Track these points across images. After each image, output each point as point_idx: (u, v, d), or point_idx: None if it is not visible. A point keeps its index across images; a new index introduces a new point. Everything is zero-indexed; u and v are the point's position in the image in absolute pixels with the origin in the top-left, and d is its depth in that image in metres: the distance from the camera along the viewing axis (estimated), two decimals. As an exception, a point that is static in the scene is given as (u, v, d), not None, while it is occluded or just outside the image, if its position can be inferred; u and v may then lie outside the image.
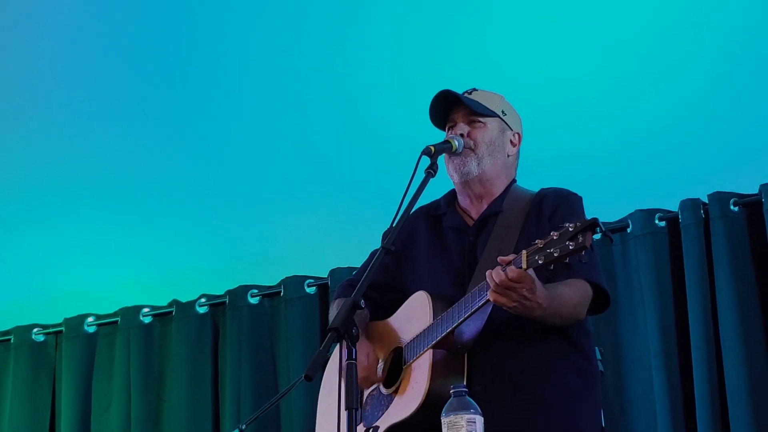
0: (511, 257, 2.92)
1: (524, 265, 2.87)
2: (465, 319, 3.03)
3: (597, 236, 2.81)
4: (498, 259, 2.95)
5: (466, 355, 3.10)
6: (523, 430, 3.09)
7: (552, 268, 2.84)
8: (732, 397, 4.50)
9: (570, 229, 2.78)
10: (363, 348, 3.24)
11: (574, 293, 3.11)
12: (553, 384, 3.13)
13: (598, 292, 3.17)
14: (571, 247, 2.76)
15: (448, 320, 3.07)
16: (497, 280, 2.90)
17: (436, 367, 3.07)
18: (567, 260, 2.80)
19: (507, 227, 3.24)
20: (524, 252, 2.88)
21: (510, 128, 3.40)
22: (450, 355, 3.09)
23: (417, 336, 3.16)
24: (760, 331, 4.58)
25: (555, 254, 2.79)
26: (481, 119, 3.34)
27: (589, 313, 3.19)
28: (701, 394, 4.53)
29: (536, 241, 2.86)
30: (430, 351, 3.09)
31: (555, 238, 2.80)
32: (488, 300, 2.96)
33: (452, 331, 3.07)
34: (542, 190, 3.36)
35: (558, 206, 3.25)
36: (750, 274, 4.66)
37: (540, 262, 2.83)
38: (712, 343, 4.59)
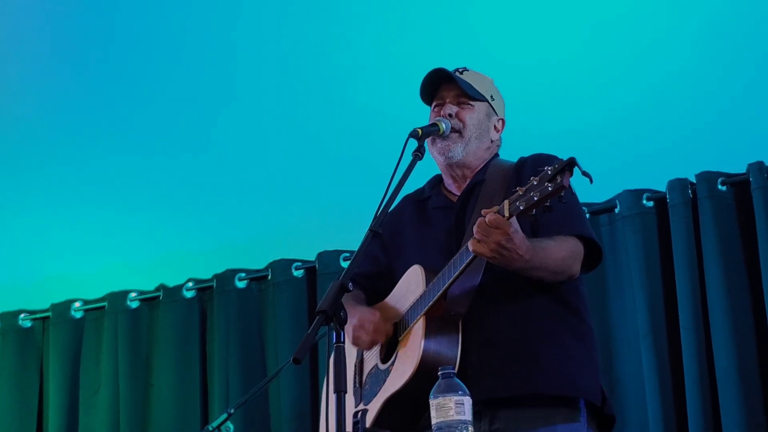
0: (494, 208, 2.92)
1: (506, 214, 2.87)
2: (454, 281, 3.03)
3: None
4: (482, 211, 2.95)
5: (460, 322, 3.09)
6: (519, 393, 3.08)
7: (534, 213, 2.83)
8: (721, 377, 4.51)
9: (548, 172, 2.79)
10: (365, 310, 3.23)
11: (560, 246, 3.10)
12: (550, 346, 3.13)
13: (589, 247, 3.17)
14: (550, 188, 2.77)
15: (437, 285, 3.07)
16: (475, 227, 2.90)
17: (429, 334, 3.06)
18: (548, 203, 2.80)
19: (490, 196, 3.24)
20: (506, 201, 2.89)
21: (496, 113, 3.40)
22: (443, 321, 3.08)
23: (411, 306, 3.17)
24: (748, 310, 4.59)
25: (535, 198, 2.80)
26: (471, 102, 3.33)
27: (583, 269, 3.18)
28: (690, 374, 4.54)
29: (516, 189, 2.87)
30: (423, 318, 3.08)
31: (534, 183, 2.82)
32: (473, 258, 2.96)
33: (444, 296, 3.06)
34: (522, 157, 3.37)
35: (538, 167, 3.23)
36: (738, 254, 4.67)
37: (521, 207, 2.83)
38: (700, 322, 4.60)
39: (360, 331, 3.19)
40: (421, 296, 3.13)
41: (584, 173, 2.75)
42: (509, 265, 2.99)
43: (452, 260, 3.05)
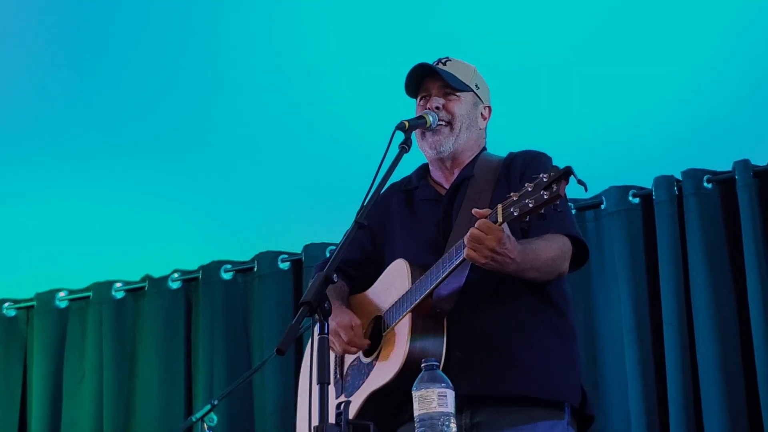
0: (486, 211, 2.92)
1: (500, 219, 2.88)
2: (442, 280, 3.03)
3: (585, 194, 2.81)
4: (473, 211, 2.95)
5: (445, 318, 3.09)
6: (503, 393, 3.09)
7: (528, 219, 2.84)
8: (704, 373, 4.52)
9: (544, 179, 2.79)
10: (345, 316, 3.23)
11: (550, 246, 3.11)
12: (530, 345, 3.13)
13: (576, 245, 3.18)
14: (545, 197, 2.77)
15: (425, 283, 3.07)
16: (469, 235, 2.91)
17: (415, 331, 3.07)
18: (542, 210, 2.80)
19: (479, 191, 3.25)
20: (499, 206, 2.89)
21: (482, 102, 3.40)
22: (429, 318, 3.09)
23: (396, 302, 3.17)
24: (731, 306, 4.60)
25: (530, 205, 2.80)
26: (456, 93, 3.33)
27: (570, 267, 3.19)
28: (673, 370, 4.55)
29: (510, 194, 2.87)
30: (409, 315, 3.09)
31: (529, 189, 2.82)
32: (463, 259, 2.96)
33: (430, 294, 3.07)
34: (511, 153, 3.37)
35: (528, 165, 3.26)
36: (723, 251, 4.67)
37: (515, 213, 2.83)
38: (684, 319, 4.61)
39: (335, 336, 3.18)
40: (407, 293, 3.13)
41: (579, 182, 2.76)
42: (503, 269, 3.00)
43: (441, 259, 3.05)
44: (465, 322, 3.11)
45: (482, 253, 2.92)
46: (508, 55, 5.04)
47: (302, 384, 3.53)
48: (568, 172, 2.76)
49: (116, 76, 5.57)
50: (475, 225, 2.90)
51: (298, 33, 5.35)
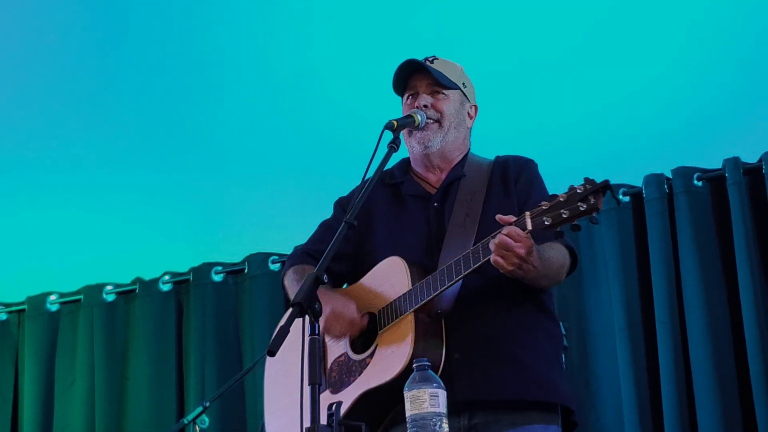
0: (511, 218, 2.92)
1: (529, 227, 2.87)
2: (456, 281, 3.03)
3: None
4: (497, 217, 2.94)
5: (443, 320, 3.09)
6: (501, 398, 3.10)
7: (560, 230, 2.83)
8: (696, 371, 4.53)
9: (579, 191, 2.78)
10: (339, 300, 3.21)
11: (557, 255, 3.13)
12: (528, 348, 3.14)
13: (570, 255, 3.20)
14: (582, 209, 2.77)
15: (435, 283, 3.06)
16: (498, 241, 2.89)
17: (418, 332, 3.06)
18: (576, 222, 2.80)
19: (471, 192, 3.25)
20: (527, 213, 2.88)
21: (468, 100, 3.40)
22: (430, 319, 3.09)
23: (394, 301, 3.15)
24: (723, 304, 4.61)
25: (564, 215, 2.79)
26: (444, 91, 3.33)
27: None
28: (666, 368, 4.56)
29: (541, 203, 2.85)
30: (413, 315, 3.08)
31: (562, 200, 2.81)
32: (482, 263, 2.95)
33: (434, 296, 3.06)
34: (499, 157, 3.38)
35: (521, 172, 3.29)
36: (713, 249, 4.68)
37: (547, 223, 2.83)
38: (676, 316, 4.62)
39: (334, 321, 3.18)
40: (408, 292, 3.12)
41: (615, 197, 2.77)
42: (524, 276, 3.00)
43: (454, 261, 3.04)
44: (465, 325, 3.11)
45: (510, 261, 2.92)
46: (498, 54, 5.04)
47: (268, 372, 3.51)
48: (606, 186, 2.76)
49: (110, 77, 5.57)
50: (503, 231, 2.89)
51: (287, 34, 5.35)
